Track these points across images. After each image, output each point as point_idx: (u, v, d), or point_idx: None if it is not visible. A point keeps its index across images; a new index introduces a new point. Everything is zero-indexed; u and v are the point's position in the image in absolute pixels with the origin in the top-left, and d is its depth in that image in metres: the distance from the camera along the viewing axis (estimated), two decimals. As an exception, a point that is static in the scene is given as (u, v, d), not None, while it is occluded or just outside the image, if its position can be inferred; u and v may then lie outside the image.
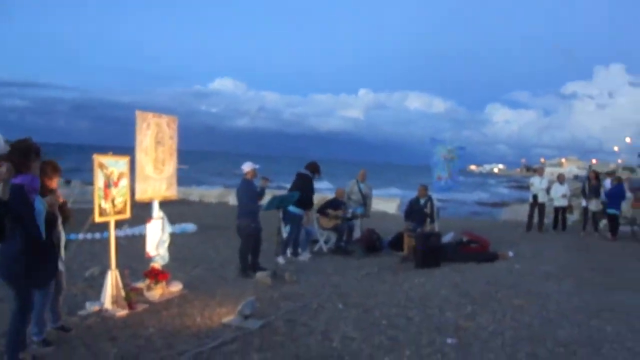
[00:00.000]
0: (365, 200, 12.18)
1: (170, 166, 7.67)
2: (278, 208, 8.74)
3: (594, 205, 15.50)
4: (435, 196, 12.05)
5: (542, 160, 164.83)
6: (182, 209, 18.36)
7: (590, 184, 15.68)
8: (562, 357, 5.45)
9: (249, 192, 8.74)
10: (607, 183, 15.70)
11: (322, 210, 11.18)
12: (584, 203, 15.86)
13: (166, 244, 7.56)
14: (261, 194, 8.95)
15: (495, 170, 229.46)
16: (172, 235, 11.90)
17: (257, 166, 8.86)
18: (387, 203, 21.06)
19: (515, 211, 23.23)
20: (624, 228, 15.81)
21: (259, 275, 8.21)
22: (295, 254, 10.12)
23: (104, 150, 6.67)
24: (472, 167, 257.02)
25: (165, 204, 8.00)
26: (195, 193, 23.68)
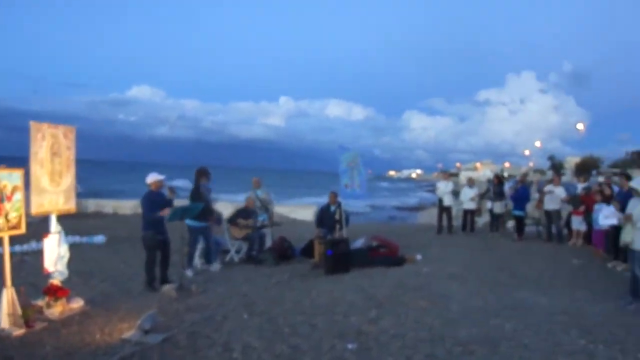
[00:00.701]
0: (266, 207, 12.22)
1: (68, 178, 7.44)
2: (182, 219, 8.60)
3: (498, 208, 16.16)
4: (352, 202, 12.21)
5: (458, 164, 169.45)
6: (95, 222, 17.91)
7: (495, 187, 16.32)
8: (459, 356, 5.58)
9: (150, 203, 8.57)
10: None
11: (233, 220, 11.12)
12: (489, 205, 16.45)
13: (65, 259, 7.32)
14: (167, 205, 8.78)
15: (414, 175, 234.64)
16: (80, 249, 11.69)
17: (161, 177, 8.71)
18: (304, 210, 21.14)
19: (431, 215, 23.83)
20: (530, 228, 16.48)
21: (165, 288, 8.09)
22: (209, 262, 10.01)
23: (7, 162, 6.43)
24: (391, 172, 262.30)
25: (76, 217, 7.77)
26: (109, 205, 23.04)
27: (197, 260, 10.05)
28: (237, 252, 11.11)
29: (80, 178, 8.18)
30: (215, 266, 9.98)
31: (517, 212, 15.68)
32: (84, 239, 12.60)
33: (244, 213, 11.39)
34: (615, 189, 11.97)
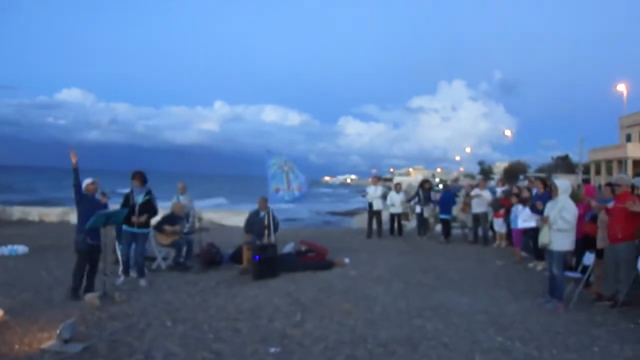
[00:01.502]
0: (188, 213, 12.16)
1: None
2: (105, 225, 8.39)
3: (426, 212, 16.62)
4: (286, 207, 12.22)
5: (392, 170, 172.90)
6: (19, 230, 17.36)
7: (423, 192, 16.74)
8: (380, 356, 5.69)
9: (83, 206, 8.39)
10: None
11: (159, 226, 10.94)
12: (418, 209, 16.82)
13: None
14: (100, 209, 8.58)
15: (348, 180, 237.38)
16: (2, 259, 11.30)
17: (88, 180, 8.55)
18: (235, 216, 21.00)
19: (363, 219, 24.06)
20: (456, 231, 16.93)
21: (87, 296, 7.88)
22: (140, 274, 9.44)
23: None
24: (327, 178, 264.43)
25: (0, 225, 7.47)
26: (35, 212, 22.34)
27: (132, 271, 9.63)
28: (165, 259, 10.94)
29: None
30: (144, 281, 9.47)
31: (444, 216, 16.14)
32: (5, 250, 12.16)
33: (170, 219, 11.23)
34: (534, 191, 12.46)
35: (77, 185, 8.40)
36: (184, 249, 10.98)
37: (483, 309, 7.73)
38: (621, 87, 48.66)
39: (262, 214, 11.81)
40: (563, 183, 8.27)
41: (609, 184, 9.33)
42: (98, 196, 8.79)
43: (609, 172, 46.38)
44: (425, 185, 17.34)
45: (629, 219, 7.90)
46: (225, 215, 21.73)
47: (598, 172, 49.92)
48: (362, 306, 7.71)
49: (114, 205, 9.71)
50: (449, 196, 16.53)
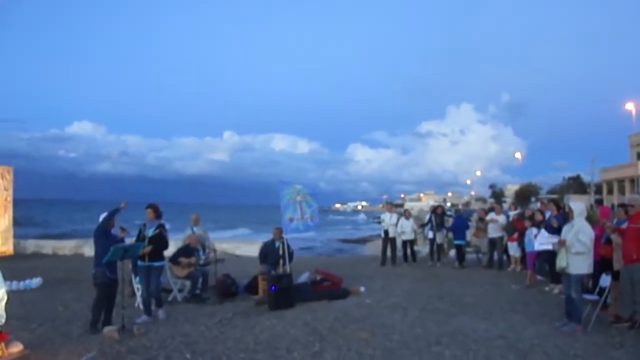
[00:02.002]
0: (203, 244, 12.21)
1: (5, 220, 7.32)
2: (122, 259, 8.44)
3: (439, 238, 16.60)
4: (295, 236, 12.26)
5: (402, 195, 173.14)
6: (34, 263, 17.45)
7: (435, 217, 16.73)
8: (400, 385, 5.71)
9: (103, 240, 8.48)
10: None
11: (174, 258, 11.01)
12: (430, 235, 16.79)
13: (2, 303, 7.12)
14: (118, 244, 8.65)
15: (359, 207, 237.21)
16: (18, 292, 11.36)
17: (104, 214, 8.64)
18: (249, 246, 21.03)
19: (376, 246, 24.04)
20: (470, 256, 16.89)
21: (106, 330, 7.92)
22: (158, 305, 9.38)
23: None
24: (337, 205, 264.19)
25: (14, 259, 7.55)
26: (49, 245, 22.45)
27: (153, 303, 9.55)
28: (180, 290, 10.97)
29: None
30: (162, 312, 9.47)
31: (457, 242, 16.13)
32: (20, 284, 12.23)
33: (185, 251, 11.29)
34: (547, 213, 12.44)
35: (108, 223, 8.53)
36: (200, 281, 11.03)
37: (500, 334, 7.71)
38: (630, 106, 48.56)
39: (277, 244, 11.86)
40: (578, 206, 8.28)
41: (622, 205, 9.33)
42: (116, 231, 8.87)
43: (621, 191, 46.24)
44: (438, 211, 17.36)
45: (643, 239, 7.90)
46: (239, 245, 21.75)
47: (610, 192, 49.72)
48: (380, 334, 7.70)
49: (130, 239, 9.76)
50: (461, 221, 16.53)
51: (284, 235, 11.64)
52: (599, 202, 44.00)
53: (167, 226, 9.71)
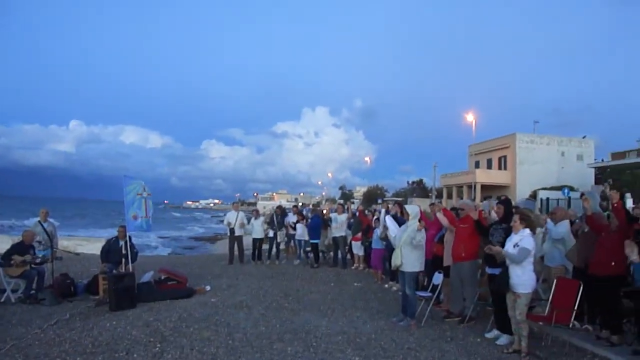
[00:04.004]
0: (51, 240, 11.59)
1: None
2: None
3: (279, 236, 17.09)
4: (143, 234, 11.93)
5: (256, 194, 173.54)
6: None
7: (278, 217, 17.13)
8: (240, 383, 5.75)
9: None
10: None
11: (7, 256, 10.30)
12: (270, 234, 17.20)
13: None
14: None
15: (212, 205, 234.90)
16: None
17: None
18: (91, 244, 20.18)
19: (225, 245, 23.98)
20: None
21: None
22: None
23: None
24: (189, 202, 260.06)
25: None
26: None
27: None
28: (14, 291, 10.28)
29: None
30: None
31: (313, 241, 16.39)
32: None
33: (19, 248, 10.59)
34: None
35: None
36: (35, 280, 10.40)
37: (341, 330, 8.02)
38: (470, 117, 51.63)
39: (120, 242, 11.48)
40: (413, 209, 8.77)
41: (453, 209, 10.05)
42: None
43: (460, 195, 49.02)
44: (278, 211, 17.77)
45: (472, 239, 8.58)
46: (81, 243, 20.79)
47: (450, 196, 52.61)
48: (223, 333, 7.69)
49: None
50: (318, 221, 16.73)
51: (128, 233, 11.24)
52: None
53: None
